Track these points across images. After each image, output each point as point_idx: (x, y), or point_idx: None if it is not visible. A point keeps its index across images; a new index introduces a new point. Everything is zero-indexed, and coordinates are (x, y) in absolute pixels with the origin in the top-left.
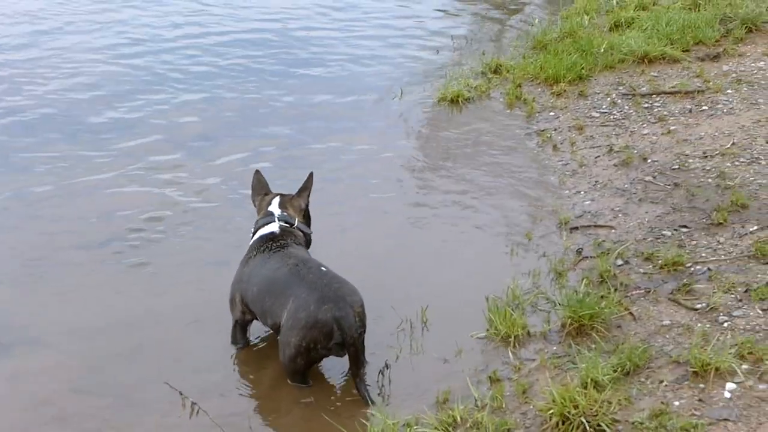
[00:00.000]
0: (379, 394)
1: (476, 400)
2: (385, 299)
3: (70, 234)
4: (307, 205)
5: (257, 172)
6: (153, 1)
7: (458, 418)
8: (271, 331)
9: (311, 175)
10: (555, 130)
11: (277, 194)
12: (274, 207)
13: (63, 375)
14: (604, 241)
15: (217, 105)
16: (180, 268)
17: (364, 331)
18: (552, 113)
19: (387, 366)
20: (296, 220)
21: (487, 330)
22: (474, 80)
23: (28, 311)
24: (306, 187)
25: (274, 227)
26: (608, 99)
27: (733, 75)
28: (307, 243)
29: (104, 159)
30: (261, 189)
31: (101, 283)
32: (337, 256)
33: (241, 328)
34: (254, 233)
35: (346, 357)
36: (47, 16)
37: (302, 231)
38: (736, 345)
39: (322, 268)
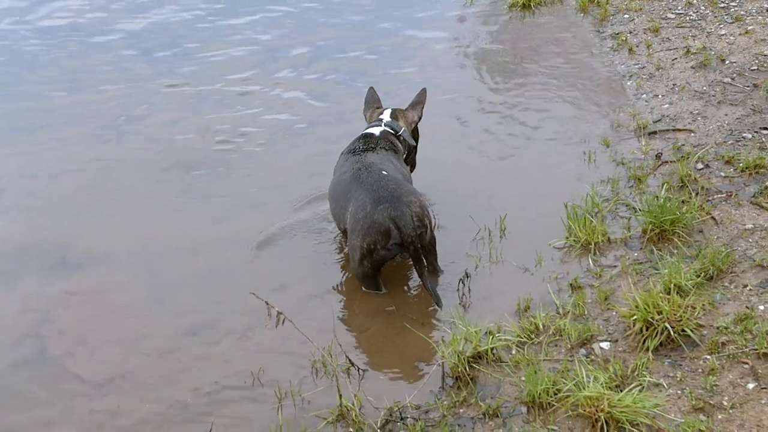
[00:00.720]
0: (460, 303)
1: (558, 308)
2: (462, 208)
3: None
4: (419, 119)
5: (371, 88)
6: None
7: (540, 326)
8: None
9: (424, 90)
10: (630, 32)
11: (389, 108)
12: (385, 116)
13: (139, 291)
14: (683, 145)
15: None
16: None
17: (426, 232)
18: (626, 15)
19: (467, 275)
20: (403, 129)
21: (567, 238)
22: None
23: (95, 234)
24: (420, 101)
25: (375, 130)
26: (684, 0)
27: None
28: (410, 159)
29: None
30: (373, 103)
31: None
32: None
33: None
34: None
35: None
36: None
37: (407, 141)
38: None
39: (383, 172)
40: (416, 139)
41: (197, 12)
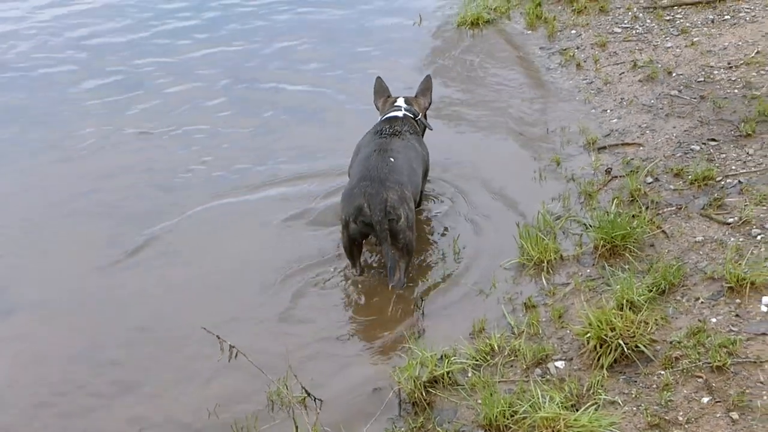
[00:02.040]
0: (415, 327)
1: (512, 328)
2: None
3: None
4: (430, 104)
5: (378, 78)
6: None
7: (495, 347)
8: None
9: (429, 77)
10: (578, 48)
11: (395, 97)
12: (401, 102)
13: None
14: (632, 159)
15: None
16: None
17: (397, 222)
18: (573, 31)
19: (422, 298)
20: (421, 114)
21: (520, 257)
22: (493, 2)
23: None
24: (427, 88)
25: (398, 113)
26: (629, 13)
27: None
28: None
29: None
30: (383, 92)
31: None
32: None
33: None
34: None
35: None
36: None
37: (425, 124)
38: None
39: (391, 159)
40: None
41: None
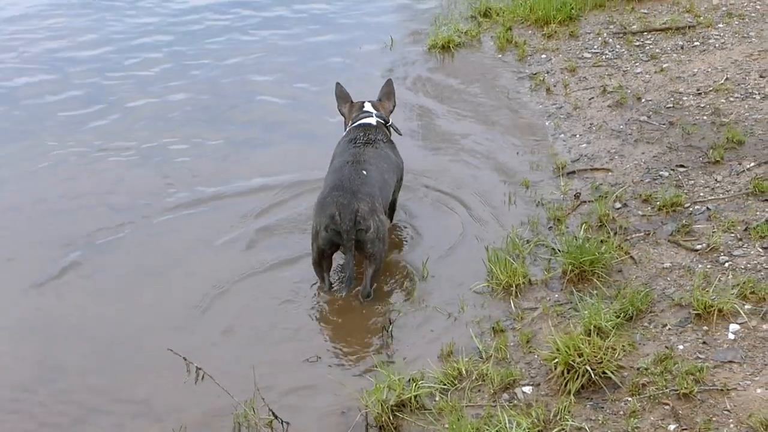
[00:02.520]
0: (383, 350)
1: (480, 352)
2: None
3: None
4: (394, 107)
5: (338, 84)
6: None
7: (463, 371)
8: None
9: (390, 80)
10: (548, 72)
11: (361, 101)
12: (368, 108)
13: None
14: (601, 184)
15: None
16: None
17: (366, 233)
18: (544, 56)
19: (390, 321)
20: (390, 119)
21: (488, 281)
22: (464, 25)
23: None
24: (390, 91)
25: (371, 120)
26: (599, 39)
27: (724, 8)
28: None
29: None
30: (346, 97)
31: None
32: None
33: None
34: (350, 127)
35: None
36: None
37: (395, 129)
38: (738, 285)
39: (363, 172)
40: None
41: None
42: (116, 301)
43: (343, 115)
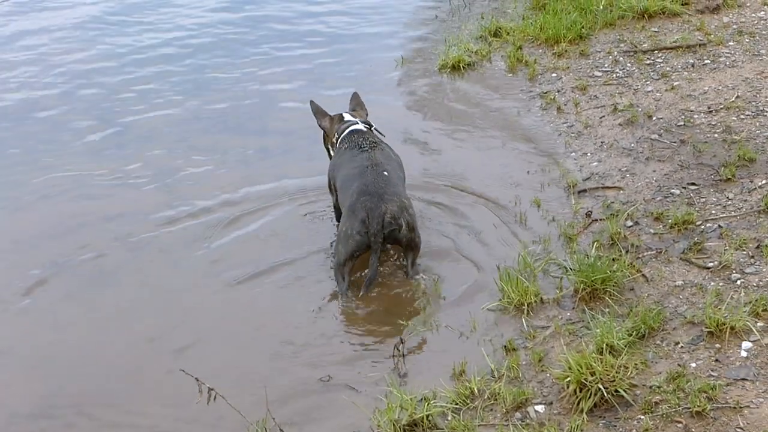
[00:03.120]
0: (395, 370)
1: (492, 371)
2: (394, 271)
3: None
4: (366, 116)
5: (312, 101)
6: None
7: (475, 390)
8: None
9: (356, 93)
10: (558, 91)
11: (339, 113)
12: (349, 117)
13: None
14: (612, 202)
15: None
16: None
17: (399, 230)
18: (554, 74)
19: (402, 341)
20: (373, 124)
21: (500, 299)
22: (474, 45)
23: None
24: (359, 102)
25: (359, 126)
26: (610, 57)
27: (734, 27)
28: None
29: None
30: (324, 112)
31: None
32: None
33: (337, 210)
34: (341, 136)
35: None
36: None
37: (379, 132)
38: (750, 303)
39: (385, 173)
40: None
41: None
42: (118, 321)
43: (324, 128)
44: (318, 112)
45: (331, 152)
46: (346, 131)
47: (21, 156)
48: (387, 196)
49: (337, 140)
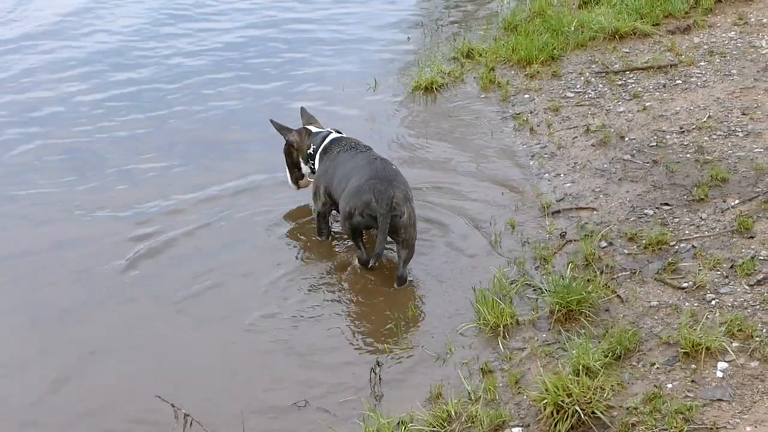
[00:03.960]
0: (372, 393)
1: (469, 393)
2: (370, 294)
3: None
4: None
5: (272, 120)
6: None
7: (452, 413)
8: None
9: (303, 107)
10: (531, 112)
11: (304, 126)
12: (316, 128)
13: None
14: (586, 223)
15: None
16: None
17: (400, 218)
18: (527, 95)
19: (378, 363)
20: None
21: (476, 321)
22: (447, 66)
23: None
24: (310, 116)
25: (335, 134)
26: (582, 78)
27: (705, 47)
28: None
29: None
30: (288, 127)
31: None
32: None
33: (323, 218)
34: (320, 145)
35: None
36: None
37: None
38: (725, 323)
39: (393, 166)
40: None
41: None
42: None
43: (293, 142)
44: (283, 127)
45: (303, 165)
46: (327, 140)
47: None
48: (396, 183)
49: (315, 151)
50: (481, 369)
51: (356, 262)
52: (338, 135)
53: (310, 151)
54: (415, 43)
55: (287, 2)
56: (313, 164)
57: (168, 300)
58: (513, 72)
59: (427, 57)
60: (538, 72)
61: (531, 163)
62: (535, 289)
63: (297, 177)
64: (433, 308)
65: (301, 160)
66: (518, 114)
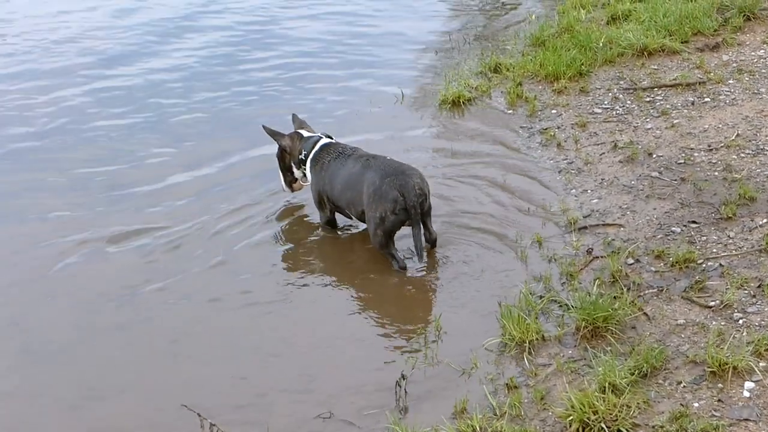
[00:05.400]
0: (396, 406)
1: (494, 409)
2: (396, 308)
3: None
4: None
5: (263, 125)
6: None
7: (477, 428)
8: None
9: (295, 114)
10: (558, 128)
11: (295, 131)
12: (307, 133)
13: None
14: (613, 240)
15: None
16: None
17: (426, 200)
18: (554, 111)
19: (403, 376)
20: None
21: (502, 336)
22: (474, 80)
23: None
24: (302, 121)
25: (326, 140)
26: (610, 94)
27: (734, 65)
28: None
29: None
30: (281, 133)
31: None
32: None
33: (333, 225)
34: (311, 151)
35: None
36: None
37: None
38: (753, 342)
39: (387, 157)
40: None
41: None
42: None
43: (286, 147)
44: (276, 133)
45: (295, 170)
46: (318, 146)
47: None
48: (408, 171)
49: (306, 156)
50: (507, 384)
51: (396, 266)
52: (328, 141)
53: (302, 156)
54: (443, 58)
55: (318, 14)
56: (305, 169)
57: (201, 304)
58: (540, 87)
59: (455, 71)
60: (565, 87)
61: (558, 178)
62: (561, 305)
63: (290, 181)
64: (458, 322)
65: (293, 164)
66: (545, 129)
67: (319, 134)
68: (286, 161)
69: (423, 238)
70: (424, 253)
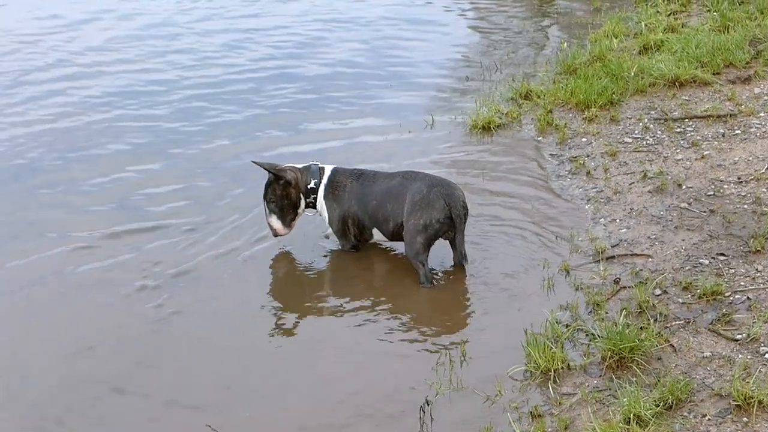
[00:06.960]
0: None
1: None
2: (421, 333)
3: None
4: None
5: (254, 161)
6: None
7: None
8: None
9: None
10: (588, 156)
11: (286, 165)
12: (293, 164)
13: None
14: (641, 270)
15: (245, 136)
16: None
17: (467, 213)
18: (584, 139)
19: (427, 402)
20: None
21: (527, 364)
22: (504, 106)
23: None
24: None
25: (331, 165)
26: (640, 124)
27: (766, 98)
28: None
29: None
30: (278, 166)
31: None
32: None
33: (355, 249)
34: (320, 179)
35: None
36: None
37: None
38: None
39: (426, 172)
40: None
41: None
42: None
43: (293, 180)
44: (274, 167)
45: (301, 202)
46: (329, 171)
47: None
48: (452, 184)
49: (317, 185)
50: (531, 413)
51: (422, 278)
52: (334, 166)
53: (311, 185)
54: (474, 83)
55: (351, 39)
56: (314, 198)
57: (227, 318)
58: (571, 115)
59: (486, 97)
60: (596, 116)
61: (586, 207)
62: (587, 335)
63: (291, 219)
64: (483, 349)
65: (301, 197)
66: (575, 157)
67: (310, 162)
68: (292, 196)
69: (464, 244)
70: (467, 257)
